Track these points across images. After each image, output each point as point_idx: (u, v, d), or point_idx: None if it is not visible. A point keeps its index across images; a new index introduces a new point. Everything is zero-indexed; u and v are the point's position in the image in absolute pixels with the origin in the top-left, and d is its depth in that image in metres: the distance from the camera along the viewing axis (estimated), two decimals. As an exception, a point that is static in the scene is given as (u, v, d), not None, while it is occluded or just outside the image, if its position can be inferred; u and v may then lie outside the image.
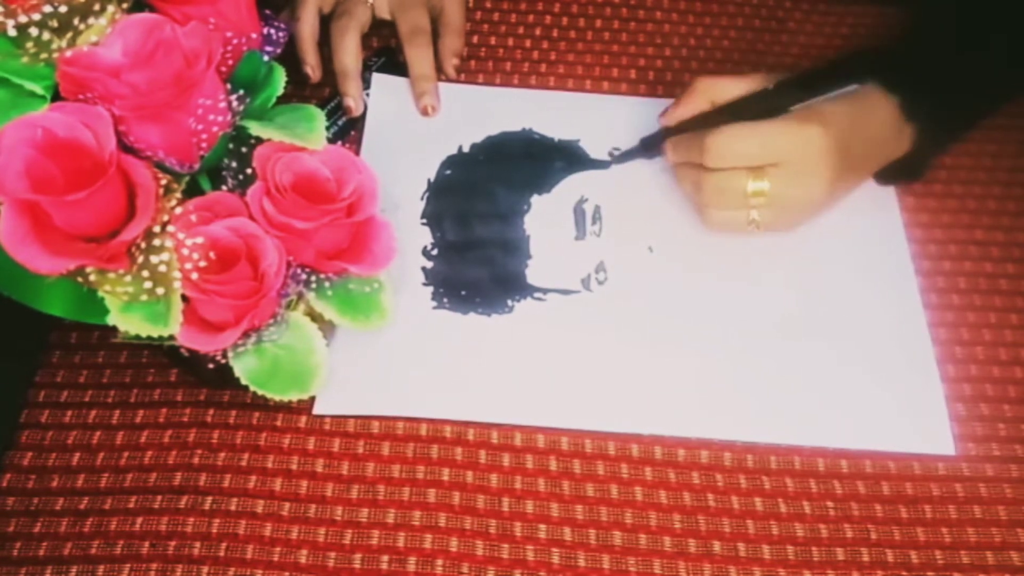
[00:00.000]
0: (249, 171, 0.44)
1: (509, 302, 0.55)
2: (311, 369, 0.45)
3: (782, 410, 0.52)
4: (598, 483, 0.49)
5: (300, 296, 0.46)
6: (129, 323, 0.41)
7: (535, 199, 0.60)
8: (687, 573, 0.46)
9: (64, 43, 0.40)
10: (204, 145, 0.42)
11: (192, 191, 0.43)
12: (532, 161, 0.61)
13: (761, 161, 0.51)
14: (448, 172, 0.61)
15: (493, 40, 0.68)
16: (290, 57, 0.63)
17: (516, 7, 0.70)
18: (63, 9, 0.39)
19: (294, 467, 0.49)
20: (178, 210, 0.42)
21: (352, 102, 0.62)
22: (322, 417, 0.50)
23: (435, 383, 0.52)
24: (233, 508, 0.47)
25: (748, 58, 0.68)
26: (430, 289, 0.55)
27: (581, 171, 0.61)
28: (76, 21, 0.40)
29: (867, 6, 0.71)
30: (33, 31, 0.39)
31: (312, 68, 0.63)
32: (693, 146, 0.53)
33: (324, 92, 0.64)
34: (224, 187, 0.45)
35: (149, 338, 0.41)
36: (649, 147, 0.59)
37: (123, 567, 0.45)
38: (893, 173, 0.58)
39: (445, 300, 0.55)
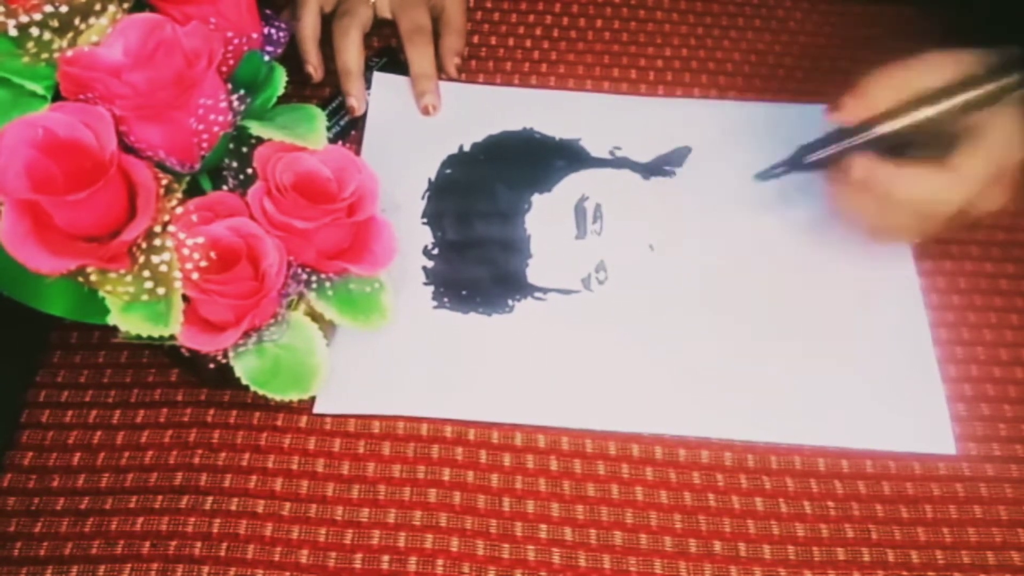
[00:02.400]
0: (250, 171, 0.44)
1: (510, 301, 0.55)
2: (312, 369, 0.45)
3: (783, 409, 0.52)
4: (599, 483, 0.49)
5: (301, 296, 0.46)
6: (130, 323, 0.41)
7: (536, 198, 0.60)
8: (688, 573, 0.46)
9: (65, 43, 0.40)
10: (205, 145, 0.42)
11: (193, 191, 0.43)
12: (533, 160, 0.61)
13: (969, 204, 0.47)
14: (449, 171, 0.61)
15: (494, 40, 0.68)
16: (291, 57, 0.63)
17: (516, 7, 0.70)
18: (64, 9, 0.39)
19: (295, 467, 0.49)
20: (179, 210, 0.42)
21: (355, 102, 0.62)
22: (323, 417, 0.50)
23: (436, 383, 0.52)
24: (234, 508, 0.47)
25: (748, 58, 0.68)
26: (431, 288, 0.55)
27: (582, 170, 0.61)
28: (77, 21, 0.40)
29: (867, 6, 0.71)
30: (34, 31, 0.39)
31: (314, 68, 0.63)
32: (912, 184, 0.47)
33: (324, 92, 0.64)
34: (225, 187, 0.45)
35: (150, 338, 0.41)
36: (808, 159, 0.51)
37: (124, 567, 0.45)
38: None
39: (446, 300, 0.55)
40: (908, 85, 0.47)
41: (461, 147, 0.62)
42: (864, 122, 0.48)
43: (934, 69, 0.47)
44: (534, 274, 0.56)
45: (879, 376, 0.53)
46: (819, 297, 0.56)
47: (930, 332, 0.55)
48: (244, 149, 0.45)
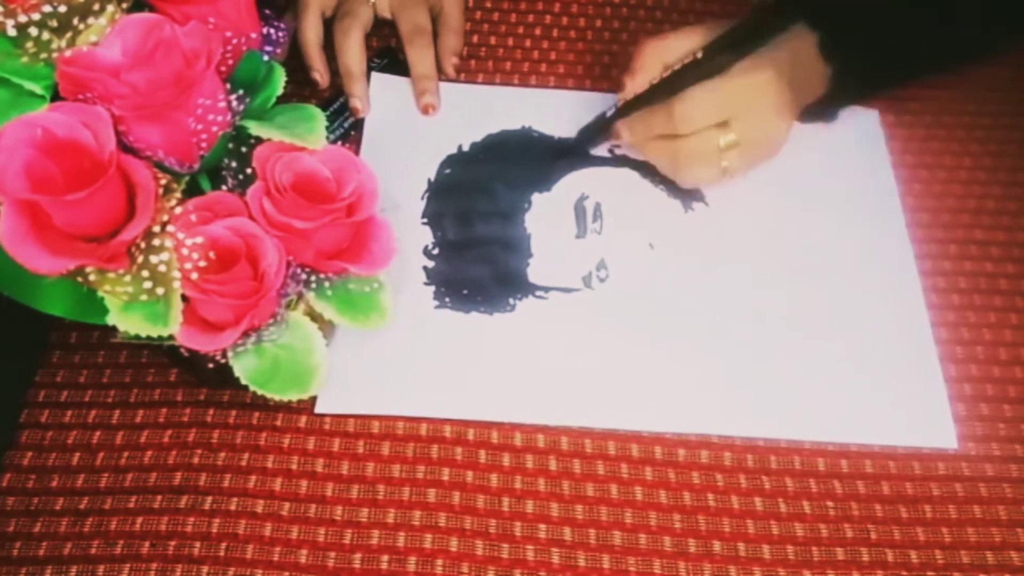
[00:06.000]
0: (249, 171, 0.44)
1: (511, 301, 0.55)
2: (311, 369, 0.45)
3: (784, 406, 0.52)
4: (598, 483, 0.49)
5: (300, 296, 0.46)
6: (129, 323, 0.41)
7: (536, 197, 0.60)
8: (687, 573, 0.46)
9: (64, 43, 0.40)
10: (204, 145, 0.42)
11: (192, 191, 0.43)
12: (532, 159, 0.61)
13: (727, 116, 0.53)
14: (448, 171, 0.61)
15: (493, 40, 0.68)
16: (291, 57, 0.63)
17: (516, 7, 0.70)
18: (63, 9, 0.39)
19: (294, 467, 0.49)
20: (178, 210, 0.42)
21: (359, 103, 0.62)
22: (322, 417, 0.50)
23: (438, 382, 0.52)
24: (233, 508, 0.47)
25: (748, 57, 0.67)
26: (432, 288, 0.55)
27: (581, 169, 0.61)
28: (76, 21, 0.40)
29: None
30: (33, 31, 0.39)
31: (320, 74, 0.63)
32: (655, 120, 0.54)
33: (324, 92, 0.64)
34: (224, 187, 0.45)
35: (149, 338, 0.41)
36: (594, 133, 0.60)
37: (123, 567, 0.45)
38: (810, 114, 0.59)
39: (447, 299, 0.55)
40: (668, 52, 0.54)
41: (460, 147, 0.62)
42: (638, 96, 0.56)
43: (690, 38, 0.54)
44: (535, 273, 0.56)
45: (880, 371, 0.53)
46: (821, 293, 0.56)
47: (931, 327, 0.55)
48: (243, 149, 0.45)
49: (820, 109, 0.59)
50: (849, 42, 0.56)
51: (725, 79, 0.52)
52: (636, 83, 0.55)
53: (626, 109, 0.56)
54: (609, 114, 0.58)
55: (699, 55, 0.53)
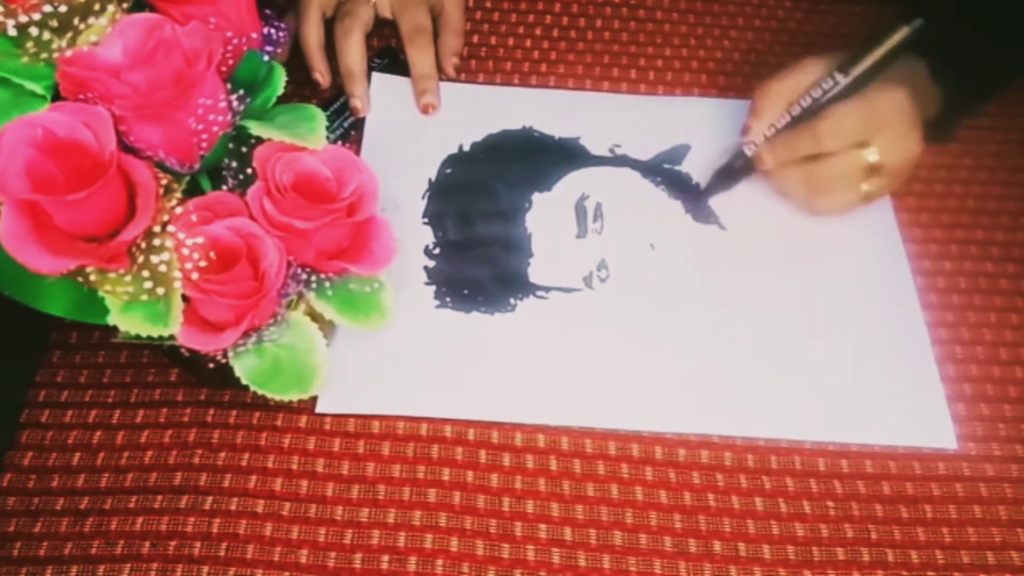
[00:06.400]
0: (249, 171, 0.44)
1: (511, 300, 0.55)
2: (311, 369, 0.45)
3: (784, 406, 0.52)
4: (598, 483, 0.49)
5: (300, 296, 0.46)
6: (129, 323, 0.41)
7: (536, 197, 0.60)
8: (688, 573, 0.46)
9: (64, 43, 0.40)
10: (204, 145, 0.42)
11: (192, 191, 0.43)
12: (533, 159, 0.61)
13: (870, 134, 0.52)
14: (449, 171, 0.61)
15: (493, 40, 0.68)
16: (291, 57, 0.63)
17: (516, 7, 0.70)
18: (63, 9, 0.39)
19: (294, 467, 0.49)
20: (178, 210, 0.42)
21: (359, 102, 0.62)
22: (322, 417, 0.50)
23: (438, 382, 0.52)
24: (233, 508, 0.47)
25: (748, 58, 0.68)
26: (432, 288, 0.55)
27: (582, 168, 0.61)
28: (76, 21, 0.40)
29: (867, 5, 0.71)
30: (33, 31, 0.39)
31: (322, 75, 0.63)
32: (798, 141, 0.53)
33: (325, 92, 0.64)
34: (224, 187, 0.45)
35: (149, 338, 0.41)
36: (734, 172, 0.58)
37: (123, 567, 0.45)
38: (926, 136, 0.56)
39: (447, 299, 0.55)
40: (791, 90, 0.54)
41: (461, 147, 0.62)
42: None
43: (808, 72, 0.54)
44: (535, 273, 0.56)
45: (878, 372, 0.53)
46: (819, 294, 0.56)
47: (929, 331, 0.55)
48: (244, 149, 0.45)
49: (932, 130, 0.57)
50: (958, 64, 0.55)
51: (865, 97, 0.52)
52: (762, 123, 0.55)
53: (771, 141, 0.55)
54: (750, 151, 0.56)
55: (840, 78, 0.52)
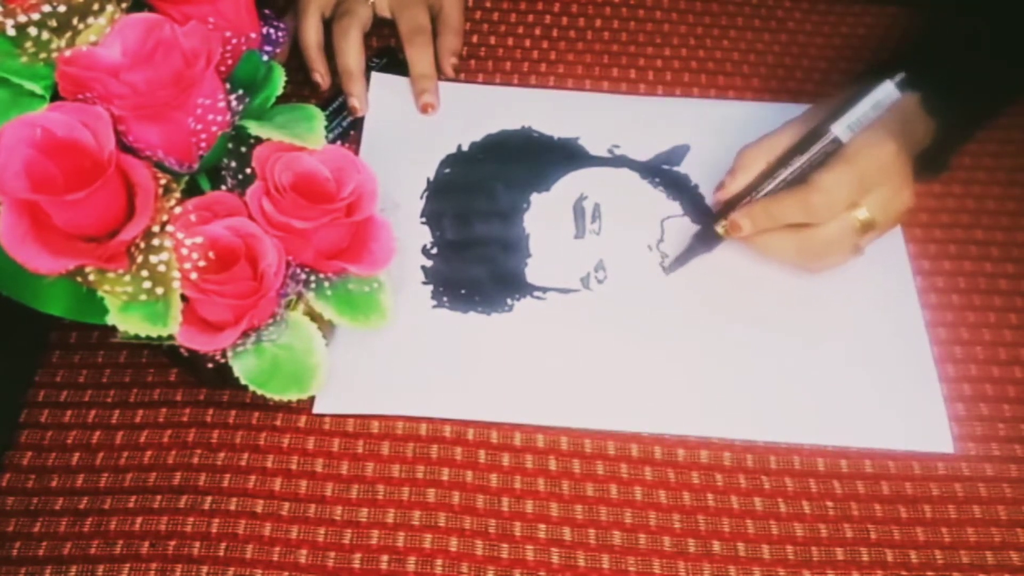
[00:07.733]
0: (248, 171, 0.44)
1: (509, 301, 0.55)
2: (310, 369, 0.45)
3: (781, 408, 0.52)
4: (597, 483, 0.49)
5: (299, 296, 0.46)
6: (128, 323, 0.41)
7: (534, 197, 0.60)
8: (687, 573, 0.46)
9: (63, 43, 0.40)
10: (203, 145, 0.42)
11: (191, 191, 0.43)
12: (531, 159, 0.61)
13: (861, 195, 0.50)
14: (448, 171, 0.61)
15: (493, 39, 0.68)
16: (290, 57, 0.63)
17: (516, 7, 0.70)
18: (62, 9, 0.39)
19: (293, 467, 0.49)
20: (177, 210, 0.42)
21: (357, 102, 0.62)
22: (321, 417, 0.50)
23: (435, 382, 0.52)
24: (232, 508, 0.47)
25: (748, 58, 0.68)
26: (430, 288, 0.55)
27: (581, 169, 0.61)
28: (75, 21, 0.40)
29: (867, 5, 0.71)
30: (32, 31, 0.39)
31: (321, 76, 0.63)
32: (782, 210, 0.52)
33: (324, 92, 0.64)
34: (223, 187, 0.45)
35: (148, 338, 0.41)
36: (708, 238, 0.56)
37: (123, 567, 0.45)
38: (919, 169, 0.55)
39: (445, 299, 0.55)
40: (769, 152, 0.53)
41: (460, 147, 0.62)
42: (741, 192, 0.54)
43: (787, 135, 0.53)
44: (533, 273, 0.56)
45: (877, 375, 0.53)
46: (816, 296, 0.56)
47: (928, 331, 0.55)
48: (243, 149, 0.45)
49: (925, 162, 0.55)
50: (951, 95, 0.54)
51: (852, 159, 0.50)
52: (737, 182, 0.53)
53: (726, 210, 0.54)
54: (721, 229, 0.54)
55: (838, 137, 0.50)
